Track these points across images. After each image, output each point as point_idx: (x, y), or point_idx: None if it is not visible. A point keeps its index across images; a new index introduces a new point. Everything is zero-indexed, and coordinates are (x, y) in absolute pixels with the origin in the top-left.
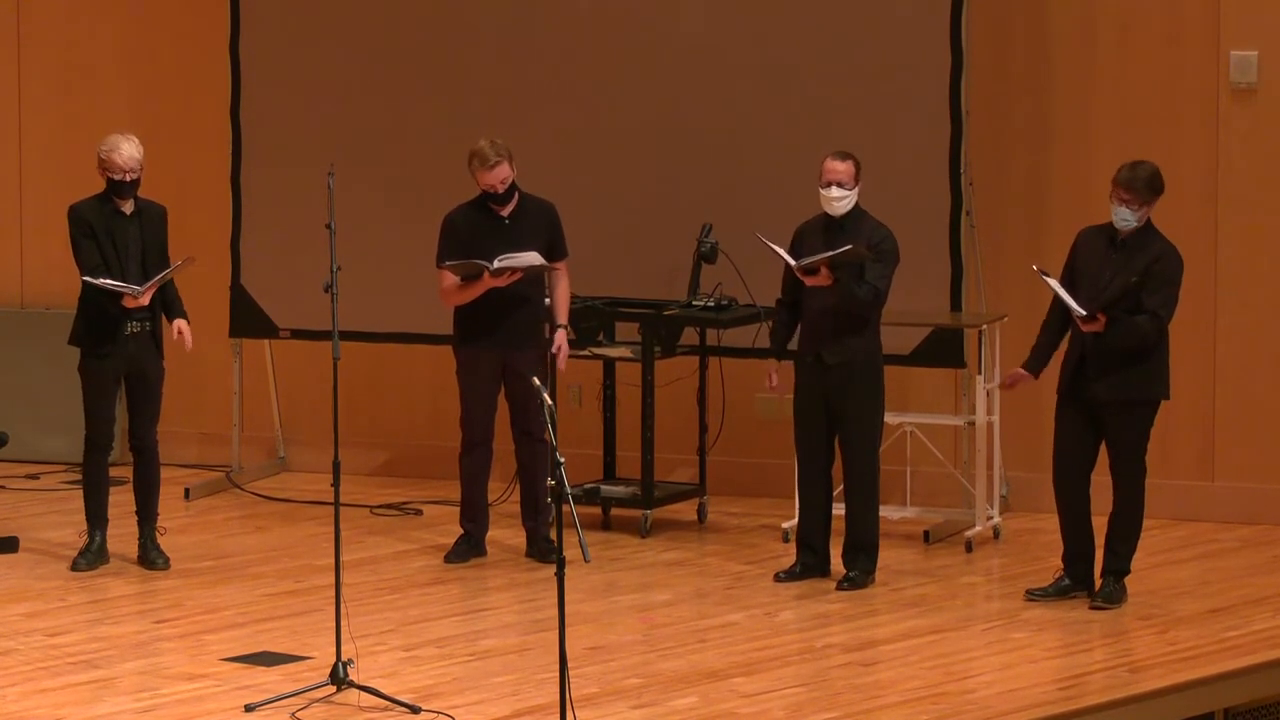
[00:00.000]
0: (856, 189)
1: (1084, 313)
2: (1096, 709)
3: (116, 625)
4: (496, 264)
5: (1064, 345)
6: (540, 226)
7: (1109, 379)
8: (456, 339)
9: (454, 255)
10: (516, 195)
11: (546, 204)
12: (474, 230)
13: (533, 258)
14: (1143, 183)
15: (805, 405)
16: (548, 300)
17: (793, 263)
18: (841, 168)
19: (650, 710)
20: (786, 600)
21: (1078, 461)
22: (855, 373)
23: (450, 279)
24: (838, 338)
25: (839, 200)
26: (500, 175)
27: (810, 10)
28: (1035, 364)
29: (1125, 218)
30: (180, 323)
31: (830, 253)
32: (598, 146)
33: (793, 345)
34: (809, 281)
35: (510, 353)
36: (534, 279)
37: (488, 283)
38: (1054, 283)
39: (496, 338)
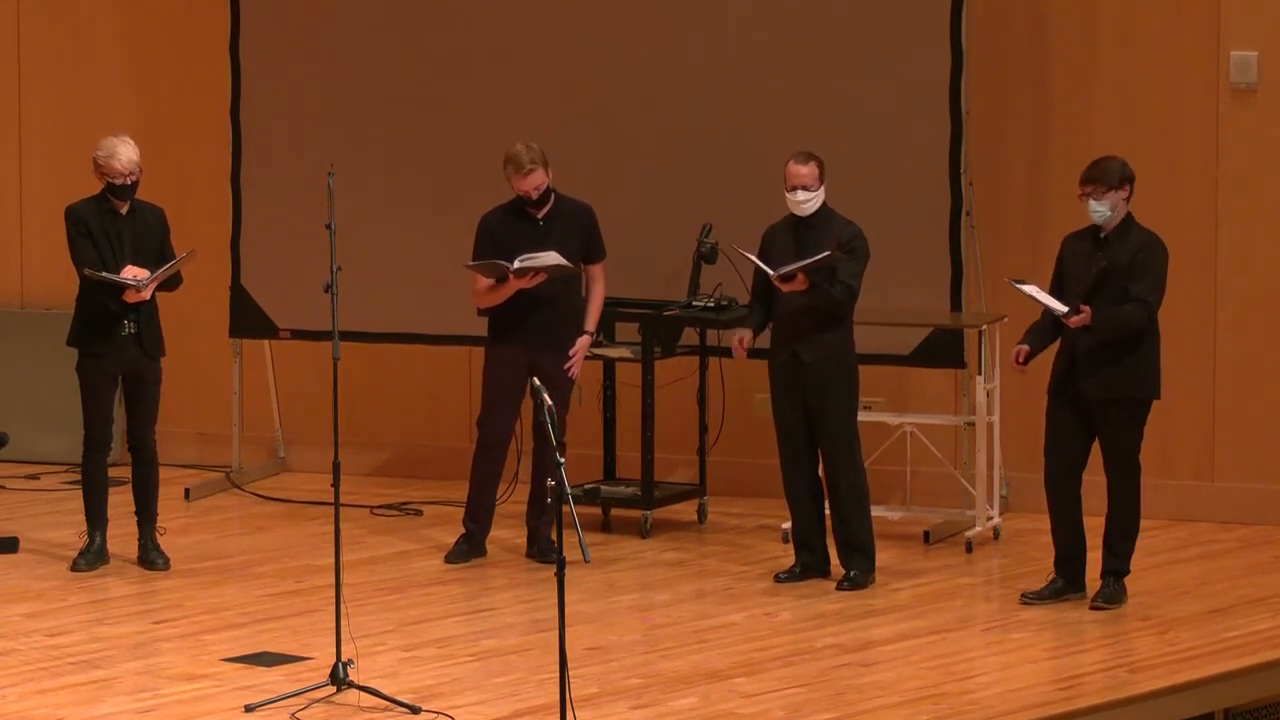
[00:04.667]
0: (821, 189)
1: (1064, 309)
2: (1096, 709)
3: (116, 625)
4: (517, 264)
5: (1054, 343)
6: (575, 229)
7: (1101, 377)
8: (489, 338)
9: (488, 257)
10: (553, 198)
11: (583, 206)
12: (509, 232)
13: (552, 257)
14: (1105, 171)
15: (783, 406)
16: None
17: (771, 273)
18: (805, 171)
19: (650, 710)
20: (786, 600)
21: (1069, 461)
22: (831, 369)
23: (483, 280)
24: (812, 335)
25: (805, 203)
26: (534, 182)
27: (810, 10)
28: (1035, 339)
29: (1099, 210)
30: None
31: (805, 261)
32: (598, 146)
33: (766, 345)
34: (785, 288)
35: (540, 354)
36: (568, 280)
37: (514, 284)
38: (1030, 289)
39: (527, 338)
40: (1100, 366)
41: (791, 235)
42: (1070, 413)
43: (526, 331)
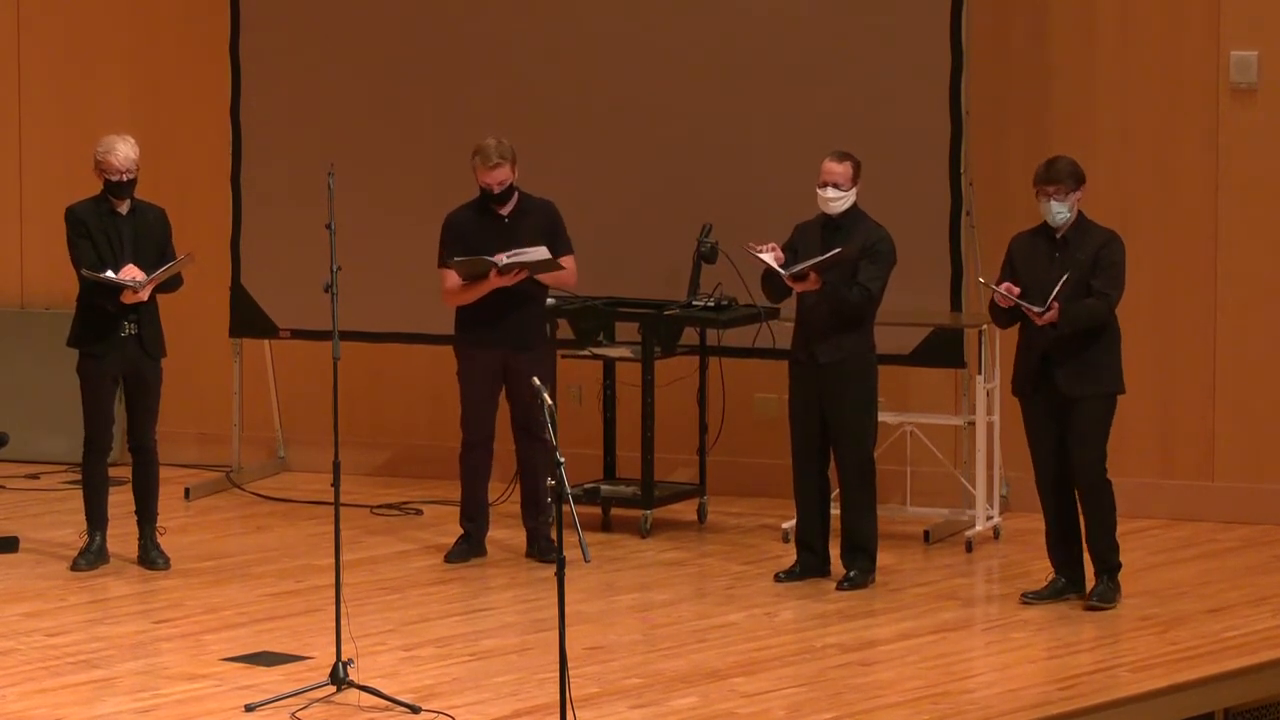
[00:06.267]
0: (854, 190)
1: (1038, 309)
2: (1096, 709)
3: (116, 625)
4: (505, 260)
5: (1017, 341)
6: (541, 225)
7: (1073, 373)
8: (457, 338)
9: (455, 255)
10: (516, 195)
11: (546, 202)
12: (475, 230)
13: (541, 253)
14: (1063, 172)
15: (799, 406)
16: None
17: (782, 272)
18: (838, 169)
19: (650, 710)
20: (786, 600)
21: (1057, 457)
22: (848, 372)
23: (453, 279)
24: (830, 336)
25: (834, 200)
26: (498, 177)
27: (810, 10)
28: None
29: (1058, 210)
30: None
31: (816, 259)
32: (598, 146)
33: (785, 345)
34: (798, 287)
35: (512, 353)
36: (536, 280)
37: (494, 282)
38: (1003, 289)
39: (498, 337)
40: (1071, 363)
41: (820, 234)
42: (1044, 410)
43: (498, 332)
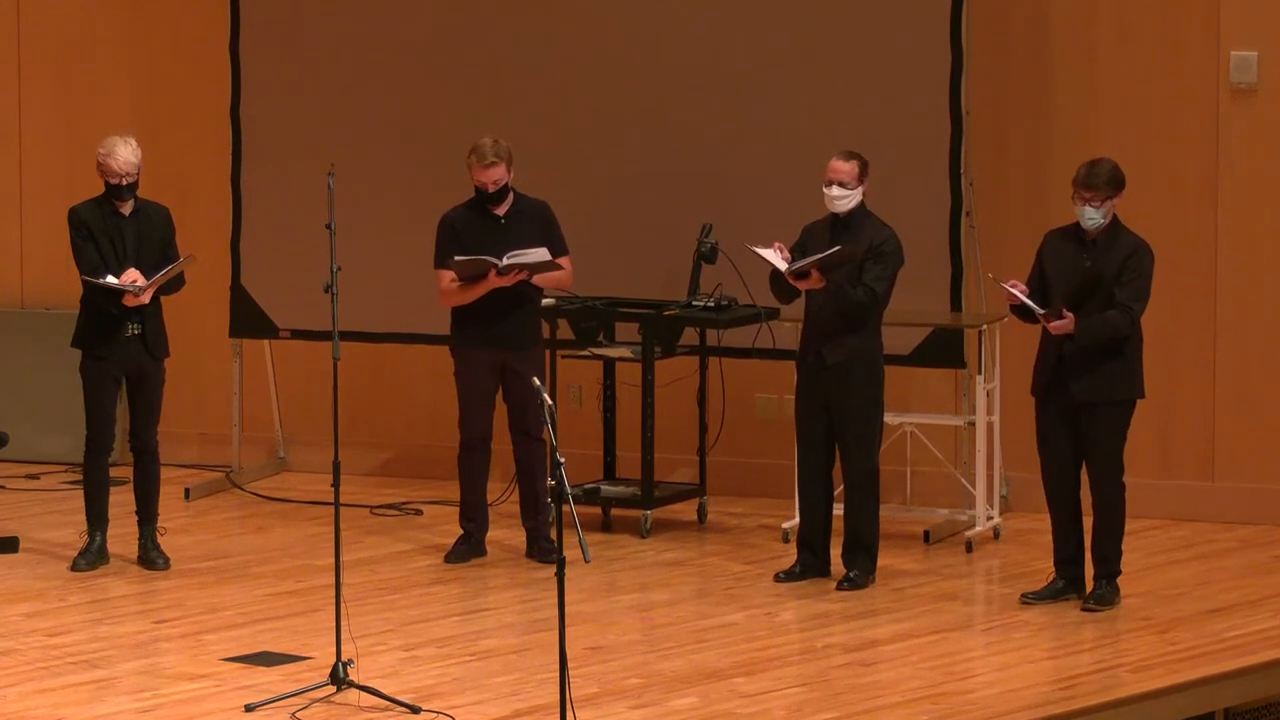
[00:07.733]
0: (860, 189)
1: (1045, 312)
2: (1096, 709)
3: (116, 625)
4: (506, 261)
5: (1037, 344)
6: (537, 225)
7: (1088, 379)
8: (454, 339)
9: (451, 255)
10: (511, 195)
11: (541, 203)
12: (471, 230)
13: (541, 254)
14: (1103, 179)
15: (805, 406)
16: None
17: (783, 269)
18: (844, 167)
19: (650, 710)
20: (786, 600)
21: (1065, 461)
22: (854, 372)
23: (449, 279)
24: (837, 337)
25: (839, 199)
26: (493, 176)
27: (810, 10)
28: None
29: (1091, 216)
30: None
31: (817, 256)
32: (598, 146)
33: (792, 345)
34: (801, 285)
35: (509, 353)
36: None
37: (493, 282)
38: (1015, 290)
39: (495, 338)
40: (1087, 368)
41: (828, 234)
42: (1058, 413)
43: (495, 333)
